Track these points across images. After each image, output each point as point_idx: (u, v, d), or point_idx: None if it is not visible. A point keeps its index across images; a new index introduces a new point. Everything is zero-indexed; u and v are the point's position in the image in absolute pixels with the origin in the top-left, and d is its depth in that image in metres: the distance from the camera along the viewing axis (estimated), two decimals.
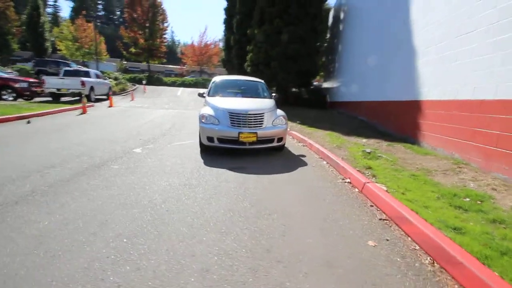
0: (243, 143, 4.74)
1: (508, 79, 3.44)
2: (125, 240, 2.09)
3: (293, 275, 1.77)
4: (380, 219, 2.58)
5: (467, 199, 2.89)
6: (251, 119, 4.80)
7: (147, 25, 33.45)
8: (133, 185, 3.26)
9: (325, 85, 17.45)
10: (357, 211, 2.78)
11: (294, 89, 16.79)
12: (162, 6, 35.09)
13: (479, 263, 1.69)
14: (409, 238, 2.23)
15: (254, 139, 4.75)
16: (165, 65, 49.17)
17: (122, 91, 20.44)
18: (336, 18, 15.49)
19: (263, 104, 5.29)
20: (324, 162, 4.71)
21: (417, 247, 2.10)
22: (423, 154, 4.90)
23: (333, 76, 14.80)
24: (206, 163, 4.37)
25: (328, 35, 17.26)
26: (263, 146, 4.91)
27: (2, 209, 2.50)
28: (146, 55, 35.00)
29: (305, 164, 4.60)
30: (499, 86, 3.55)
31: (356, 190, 3.34)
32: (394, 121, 6.62)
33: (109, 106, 12.67)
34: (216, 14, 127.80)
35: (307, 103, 15.61)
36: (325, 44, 17.21)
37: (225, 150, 4.96)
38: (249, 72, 15.19)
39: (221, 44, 55.21)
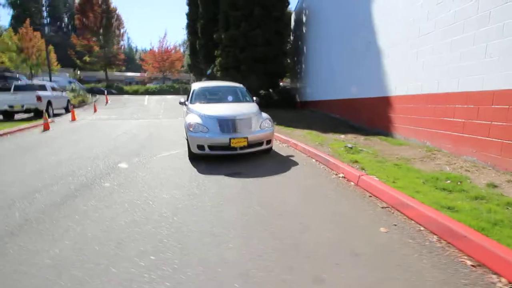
0: (234, 149, 4.78)
1: (467, 74, 3.95)
2: (152, 257, 2.05)
3: (327, 267, 1.90)
4: (383, 208, 2.83)
5: (448, 181, 3.28)
6: (241, 124, 4.87)
7: (101, 31, 31.65)
8: (135, 201, 3.15)
9: (293, 85, 18.03)
10: (359, 203, 3.00)
11: (263, 91, 17.10)
12: (117, 11, 33.51)
13: (480, 234, 1.98)
14: (413, 221, 2.49)
15: (245, 143, 4.82)
16: (124, 73, 46.86)
17: (82, 103, 19.12)
18: (298, 21, 16.13)
19: (248, 108, 5.39)
20: (313, 160, 4.94)
21: (422, 228, 2.36)
22: (398, 145, 5.38)
23: (301, 77, 15.37)
24: (200, 172, 4.35)
25: (292, 38, 17.91)
26: (253, 150, 5.01)
27: None
28: (103, 64, 33.08)
29: (295, 163, 4.79)
30: (460, 80, 4.06)
31: (352, 183, 3.59)
32: (366, 117, 7.13)
33: (72, 120, 11.81)
34: (175, 17, 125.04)
35: (277, 104, 15.99)
36: (289, 47, 17.82)
37: (215, 157, 4.97)
38: (219, 76, 15.20)
39: (182, 49, 54.37)
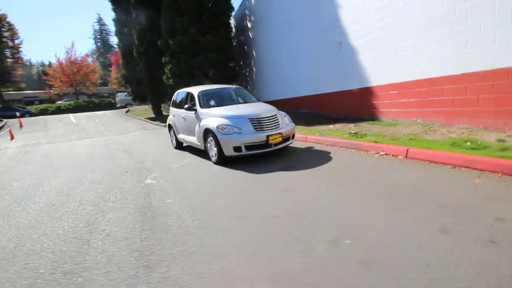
0: (270, 146, 4.83)
1: (449, 61, 5.06)
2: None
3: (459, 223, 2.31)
4: (452, 167, 3.44)
5: (468, 143, 4.17)
6: (271, 122, 4.95)
7: None
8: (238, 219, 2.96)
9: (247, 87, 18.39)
10: (432, 168, 3.55)
11: None
12: (7, 19, 27.58)
13: None
14: (487, 171, 3.15)
15: (280, 139, 4.93)
16: (24, 91, 38.85)
17: None
18: (240, 27, 16.64)
19: (266, 106, 5.49)
20: (339, 148, 5.35)
21: (500, 174, 3.03)
22: (391, 125, 6.34)
23: (252, 79, 15.88)
24: (255, 172, 4.27)
25: (234, 43, 18.30)
26: (284, 145, 5.14)
27: None
28: None
29: (328, 152, 5.09)
30: (446, 67, 5.15)
31: (400, 157, 4.16)
32: (345, 107, 8.05)
33: None
34: (81, 24, 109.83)
35: None
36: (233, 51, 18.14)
37: (242, 157, 4.86)
38: (171, 84, 14.39)
39: (90, 60, 48.27)
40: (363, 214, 2.48)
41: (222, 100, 5.95)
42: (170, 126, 7.39)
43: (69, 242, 2.53)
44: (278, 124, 5.04)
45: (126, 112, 23.82)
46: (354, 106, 7.69)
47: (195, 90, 6.10)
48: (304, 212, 2.66)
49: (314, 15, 8.93)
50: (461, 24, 4.78)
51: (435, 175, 3.29)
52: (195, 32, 13.70)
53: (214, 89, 6.33)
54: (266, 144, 4.77)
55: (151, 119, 18.51)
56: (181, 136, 6.73)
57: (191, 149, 6.76)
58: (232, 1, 15.05)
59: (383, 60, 6.57)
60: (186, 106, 5.82)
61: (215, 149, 4.97)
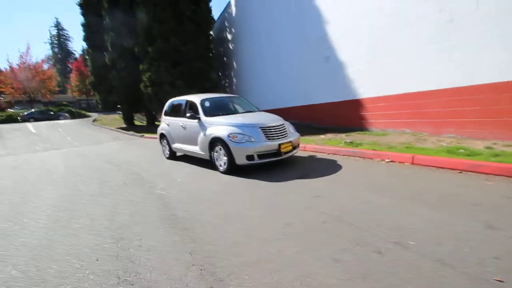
0: (280, 154, 4.86)
1: (436, 77, 5.62)
2: None
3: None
4: (460, 172, 3.77)
5: (462, 150, 4.62)
6: (280, 130, 5.00)
7: None
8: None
9: None
10: (440, 173, 3.85)
11: None
12: None
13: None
14: (491, 174, 3.51)
15: (291, 147, 4.99)
16: None
17: None
18: (220, 38, 16.73)
19: (272, 116, 5.54)
20: (343, 156, 5.54)
21: (494, 176, 3.39)
22: (382, 135, 6.76)
23: (232, 91, 15.92)
24: (274, 180, 4.27)
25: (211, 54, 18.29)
26: (292, 153, 5.21)
27: None
28: None
29: (334, 161, 5.23)
30: (432, 81, 5.70)
31: (407, 164, 4.45)
32: (333, 118, 8.43)
33: None
34: (36, 28, 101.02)
35: None
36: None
37: (247, 167, 4.84)
38: (150, 92, 13.86)
39: (46, 65, 44.66)
40: (408, 216, 2.60)
41: (224, 108, 5.89)
42: (162, 136, 7.07)
43: (106, 260, 2.27)
44: (286, 133, 5.11)
45: (93, 121, 22.23)
46: (343, 117, 8.08)
47: (196, 99, 5.96)
48: (348, 217, 2.71)
49: (300, 29, 9.35)
50: (446, 43, 5.36)
51: (450, 179, 3.58)
52: (176, 41, 13.50)
53: (216, 97, 6.24)
54: (277, 152, 4.79)
55: (123, 129, 17.51)
56: (177, 146, 6.48)
57: (187, 159, 6.53)
58: (212, 13, 15.20)
59: (372, 74, 7.06)
60: (188, 114, 5.64)
61: (225, 158, 4.86)
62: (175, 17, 13.59)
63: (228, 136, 4.74)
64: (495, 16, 4.59)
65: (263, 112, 5.98)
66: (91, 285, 1.96)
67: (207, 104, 5.78)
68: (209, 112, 5.58)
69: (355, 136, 7.09)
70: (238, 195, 3.72)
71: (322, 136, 7.79)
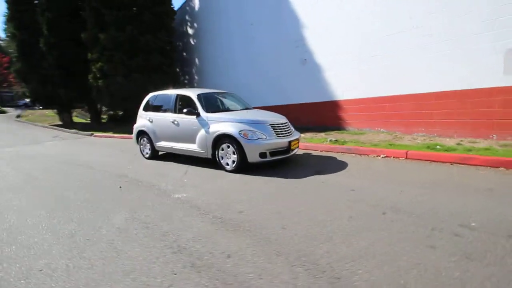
0: (289, 151, 4.89)
1: (409, 83, 6.42)
2: None
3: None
4: (451, 164, 4.38)
5: (438, 147, 5.38)
6: (286, 128, 5.03)
7: None
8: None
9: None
10: (440, 166, 4.41)
11: None
12: None
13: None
14: (478, 165, 4.18)
15: (298, 145, 5.08)
16: None
17: None
18: (179, 32, 15.84)
19: (274, 114, 5.52)
20: (337, 153, 5.85)
21: (482, 167, 4.09)
22: (360, 134, 7.37)
23: (197, 87, 15.26)
24: (297, 177, 4.25)
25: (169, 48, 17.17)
26: (296, 151, 5.28)
27: None
28: None
29: (333, 158, 5.46)
30: (405, 87, 6.49)
31: (402, 158, 4.96)
32: (310, 118, 8.84)
33: None
34: None
35: None
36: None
37: (256, 165, 4.78)
38: (100, 85, 12.25)
39: None
40: (452, 202, 2.92)
41: (223, 104, 5.63)
42: (141, 133, 6.36)
43: (186, 275, 1.96)
44: (291, 131, 5.17)
45: (17, 116, 18.47)
46: (320, 117, 8.54)
47: (190, 93, 5.55)
48: (400, 207, 2.89)
49: (276, 32, 9.53)
50: (421, 55, 6.18)
51: (450, 171, 4.14)
52: (134, 30, 12.27)
53: (212, 92, 5.91)
54: (287, 149, 4.81)
55: (61, 126, 15.08)
56: (163, 144, 5.91)
57: (172, 158, 6.03)
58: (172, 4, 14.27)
59: (349, 78, 7.65)
60: (185, 110, 5.20)
61: (234, 156, 4.66)
62: (130, 4, 12.37)
63: (240, 133, 4.55)
64: (462, 36, 5.51)
65: (263, 110, 5.93)
66: None
67: (206, 99, 5.43)
68: (208, 108, 5.26)
69: (335, 135, 7.56)
70: (271, 194, 3.60)
71: (302, 135, 8.09)
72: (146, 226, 2.77)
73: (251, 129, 4.61)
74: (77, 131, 12.91)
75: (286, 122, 5.11)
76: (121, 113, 17.83)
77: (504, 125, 5.17)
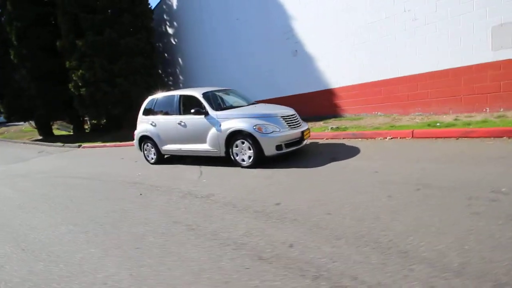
0: (302, 142, 4.98)
1: (403, 65, 6.67)
2: None
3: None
4: (457, 138, 4.63)
5: (438, 124, 5.66)
6: (296, 119, 5.10)
7: None
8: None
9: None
10: (445, 142, 4.65)
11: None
12: None
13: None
14: (476, 137, 4.44)
15: (309, 135, 5.16)
16: None
17: None
18: (157, 32, 15.41)
19: (281, 106, 5.56)
20: (343, 139, 6.00)
21: (486, 138, 4.37)
22: (359, 119, 7.58)
23: (184, 88, 14.96)
24: (317, 170, 4.35)
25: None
26: (307, 141, 5.36)
27: None
28: None
29: (342, 144, 5.58)
30: (399, 69, 6.74)
31: (408, 138, 5.19)
32: (308, 107, 8.94)
33: None
34: None
35: None
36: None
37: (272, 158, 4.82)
38: (83, 93, 11.73)
39: None
40: (474, 173, 3.11)
41: (228, 101, 5.61)
42: (144, 138, 6.20)
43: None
44: (300, 121, 5.24)
45: None
46: (315, 106, 8.68)
47: (194, 92, 5.47)
48: (429, 182, 3.03)
49: (265, 25, 9.52)
50: (412, 38, 6.43)
51: (457, 145, 4.38)
52: (113, 33, 11.81)
53: (215, 90, 5.83)
54: (300, 140, 4.88)
55: (41, 141, 14.32)
56: (169, 147, 5.82)
57: (178, 161, 5.95)
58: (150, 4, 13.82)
59: (342, 66, 7.82)
60: (192, 110, 5.13)
61: (250, 151, 4.67)
62: (107, 7, 11.89)
63: (254, 127, 4.57)
64: (451, 17, 5.78)
65: (268, 104, 5.95)
66: None
67: (212, 97, 5.38)
68: (215, 106, 5.22)
69: (334, 122, 7.74)
70: (299, 184, 3.65)
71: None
72: (190, 228, 2.75)
73: (265, 122, 4.64)
74: (62, 144, 12.32)
75: (295, 114, 5.18)
76: (104, 121, 17.22)
77: (496, 98, 5.53)
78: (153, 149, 6.14)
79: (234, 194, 3.56)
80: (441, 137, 4.88)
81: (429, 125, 5.62)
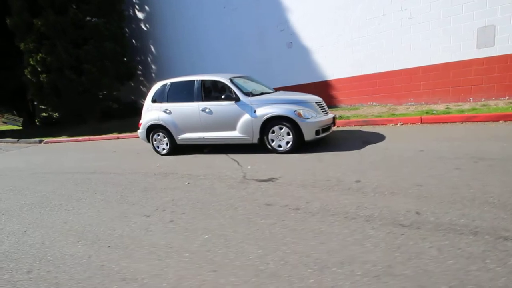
0: (331, 128, 5.16)
1: (399, 59, 7.34)
2: None
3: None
4: (462, 123, 5.31)
5: (434, 112, 6.40)
6: (324, 106, 5.25)
7: None
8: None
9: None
10: (454, 126, 5.27)
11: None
12: None
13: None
14: (480, 122, 5.19)
15: (335, 121, 5.35)
16: None
17: None
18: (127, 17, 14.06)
19: (304, 93, 5.64)
20: (353, 126, 6.36)
21: (487, 122, 5.12)
22: (356, 109, 8.09)
23: (156, 78, 13.94)
24: (367, 152, 4.53)
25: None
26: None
27: None
28: None
29: (356, 131, 5.97)
30: (395, 63, 7.40)
31: (417, 123, 5.76)
32: None
33: None
34: None
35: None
36: None
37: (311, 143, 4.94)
38: (44, 81, 10.16)
39: None
40: (504, 148, 3.65)
41: (255, 88, 5.46)
42: (155, 127, 5.69)
43: None
44: (327, 108, 5.42)
45: None
46: None
47: (222, 78, 5.20)
48: (478, 155, 3.44)
49: (257, 14, 9.45)
50: (407, 34, 7.09)
51: (468, 127, 5.01)
52: (78, 14, 10.43)
53: (240, 76, 5.61)
54: (331, 126, 5.06)
55: None
56: (188, 136, 5.46)
57: (193, 151, 5.64)
58: None
59: (339, 59, 8.24)
60: (223, 96, 4.90)
61: (289, 137, 4.67)
62: None
63: (295, 112, 4.58)
64: (444, 17, 6.55)
65: (288, 91, 5.97)
66: None
67: (240, 83, 5.19)
68: (248, 91, 5.07)
69: (333, 112, 8.13)
70: (358, 165, 3.71)
71: None
72: (295, 209, 2.68)
73: (305, 108, 4.69)
74: (16, 139, 10.49)
75: (322, 101, 5.33)
76: (56, 115, 15.13)
77: (478, 90, 6.48)
78: (165, 139, 5.68)
79: (302, 177, 3.54)
80: (448, 122, 5.54)
81: (427, 112, 6.31)
